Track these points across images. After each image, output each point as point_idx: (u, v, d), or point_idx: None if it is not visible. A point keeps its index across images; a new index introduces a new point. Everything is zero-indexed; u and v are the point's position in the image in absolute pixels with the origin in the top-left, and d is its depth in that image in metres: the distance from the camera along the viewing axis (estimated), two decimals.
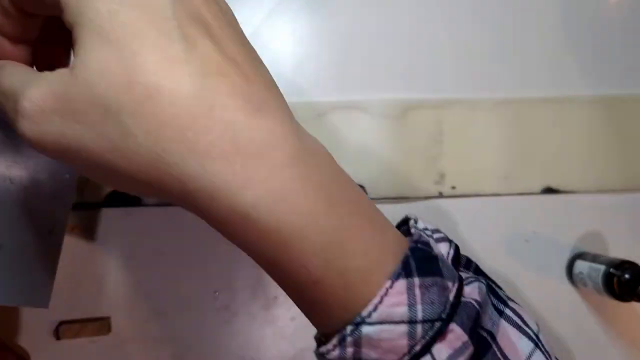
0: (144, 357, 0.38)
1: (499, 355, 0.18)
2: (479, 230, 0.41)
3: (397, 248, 0.18)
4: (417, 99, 0.40)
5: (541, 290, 0.41)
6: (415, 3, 0.41)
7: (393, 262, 0.18)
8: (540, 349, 0.20)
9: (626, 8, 0.43)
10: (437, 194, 0.40)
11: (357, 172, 0.39)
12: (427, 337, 0.17)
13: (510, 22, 0.42)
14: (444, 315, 0.17)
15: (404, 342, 0.17)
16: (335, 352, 0.18)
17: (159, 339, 0.38)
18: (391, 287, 0.17)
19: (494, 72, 0.42)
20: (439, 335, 0.17)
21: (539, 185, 0.41)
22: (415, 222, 0.22)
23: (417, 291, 0.17)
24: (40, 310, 0.36)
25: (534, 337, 0.20)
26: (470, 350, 0.18)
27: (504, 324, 0.20)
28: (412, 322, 0.17)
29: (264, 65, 0.20)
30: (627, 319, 0.42)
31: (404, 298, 0.17)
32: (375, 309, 0.17)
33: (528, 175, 0.41)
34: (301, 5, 0.40)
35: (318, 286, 0.17)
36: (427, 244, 0.19)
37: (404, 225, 0.22)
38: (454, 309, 0.18)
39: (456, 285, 0.18)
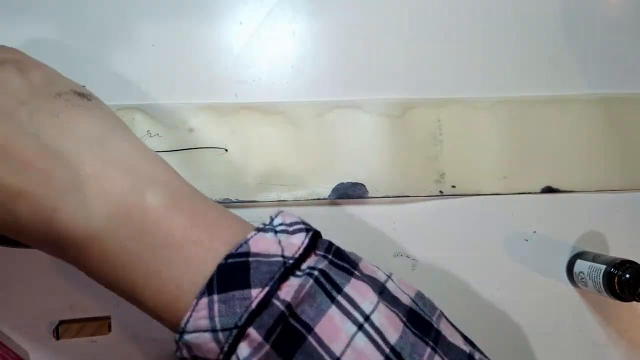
0: (144, 357, 0.38)
1: (315, 344, 0.22)
2: (479, 230, 0.41)
3: (208, 267, 0.23)
4: (416, 99, 0.40)
5: (541, 290, 0.41)
6: (415, 3, 0.41)
7: (202, 281, 0.23)
8: (368, 328, 0.23)
9: (626, 8, 0.43)
10: (437, 193, 0.40)
11: (357, 171, 0.39)
12: (229, 341, 0.21)
13: (510, 22, 0.42)
14: (239, 323, 0.22)
15: (213, 345, 0.22)
16: (179, 353, 0.23)
17: (159, 339, 0.38)
18: (196, 304, 0.22)
19: (494, 72, 0.42)
20: (241, 338, 0.22)
21: (539, 185, 0.41)
22: (272, 219, 0.26)
23: (216, 306, 0.22)
24: (40, 310, 0.37)
25: (360, 318, 0.23)
26: (266, 347, 0.21)
27: (332, 311, 0.23)
28: (214, 330, 0.22)
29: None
30: (627, 319, 0.42)
31: (205, 313, 0.22)
32: (187, 321, 0.22)
33: (528, 175, 0.41)
34: (301, 5, 0.40)
35: (152, 308, 0.24)
36: (245, 254, 0.23)
37: (277, 217, 0.26)
38: (253, 316, 0.22)
39: (266, 290, 0.22)
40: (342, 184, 0.39)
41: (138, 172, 0.24)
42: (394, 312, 0.24)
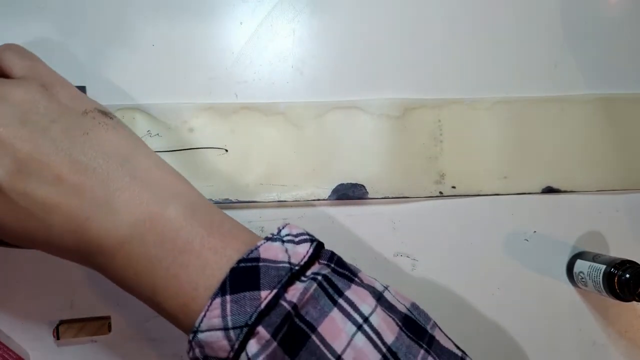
0: (144, 357, 0.38)
1: (318, 343, 0.24)
2: (479, 230, 0.41)
3: (222, 272, 0.25)
4: (417, 99, 0.40)
5: (541, 290, 0.41)
6: (415, 3, 0.41)
7: (217, 284, 0.24)
8: (367, 329, 0.25)
9: (626, 8, 0.43)
10: (437, 194, 0.40)
11: (357, 172, 0.39)
12: (240, 339, 0.23)
13: (510, 22, 0.42)
14: (249, 322, 0.23)
15: (225, 343, 0.23)
16: (191, 354, 0.25)
17: (159, 339, 0.38)
18: (210, 304, 0.24)
19: (494, 72, 0.42)
20: (250, 336, 0.23)
21: (539, 185, 0.41)
22: (280, 230, 0.28)
23: (228, 305, 0.24)
24: (40, 310, 0.37)
25: (360, 320, 0.25)
26: (273, 345, 0.23)
27: (334, 312, 0.25)
28: (226, 329, 0.23)
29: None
30: (627, 319, 0.42)
31: (218, 312, 0.24)
32: (202, 320, 0.24)
33: (528, 175, 0.41)
34: (301, 5, 0.40)
35: (169, 310, 0.26)
36: (256, 259, 0.25)
37: (284, 228, 0.28)
38: (262, 315, 0.23)
39: (274, 291, 0.24)
40: (342, 184, 0.39)
41: (161, 186, 0.27)
42: (391, 317, 0.26)
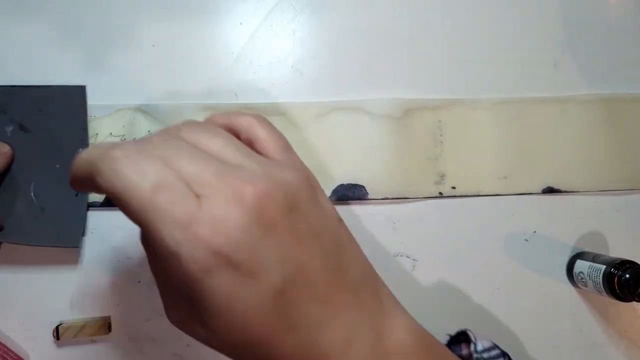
0: (144, 357, 0.38)
1: None
2: (479, 230, 0.41)
3: None
4: (417, 100, 0.40)
5: (541, 290, 0.41)
6: (415, 4, 0.41)
7: None
8: None
9: (626, 8, 0.43)
10: (437, 194, 0.40)
11: (357, 172, 0.39)
12: None
13: (510, 22, 0.42)
14: None
15: None
16: None
17: (159, 339, 0.38)
18: None
19: (494, 72, 0.42)
20: None
21: (539, 186, 0.41)
22: (475, 344, 0.26)
23: None
24: (40, 310, 0.37)
25: None
26: None
27: None
28: None
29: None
30: (627, 319, 0.42)
31: None
32: None
33: (528, 175, 0.41)
34: (301, 5, 0.40)
35: None
36: None
37: (461, 335, 0.26)
38: None
39: None
40: (342, 185, 0.39)
41: (402, 309, 0.24)
42: None
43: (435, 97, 0.41)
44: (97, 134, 0.37)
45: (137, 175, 0.18)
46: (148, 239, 0.19)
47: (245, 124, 0.24)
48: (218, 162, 0.20)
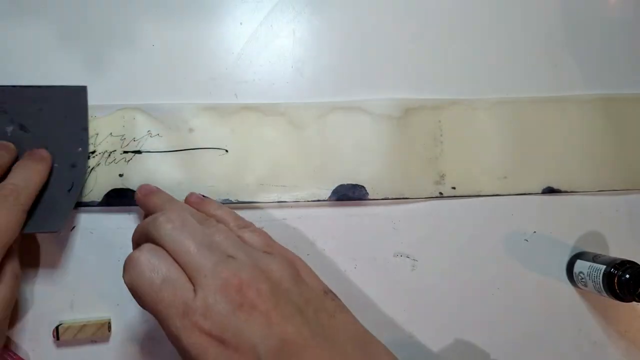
0: (144, 357, 0.38)
1: None
2: (479, 230, 0.41)
3: None
4: (417, 99, 0.40)
5: (541, 290, 0.41)
6: (415, 4, 0.41)
7: None
8: None
9: (626, 8, 0.43)
10: (437, 195, 0.40)
11: (357, 172, 0.39)
12: None
13: (510, 22, 0.42)
14: None
15: None
16: None
17: (159, 339, 0.38)
18: None
19: (494, 72, 0.42)
20: None
21: (539, 186, 0.41)
22: None
23: None
24: (41, 310, 0.36)
25: None
26: None
27: None
28: None
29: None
30: (627, 319, 0.42)
31: None
32: None
33: (528, 175, 0.41)
34: (301, 5, 0.40)
35: None
36: None
37: None
38: None
39: None
40: (342, 185, 0.39)
41: None
42: None
43: (435, 97, 0.41)
44: (97, 134, 0.37)
45: (150, 273, 0.25)
46: (157, 319, 0.25)
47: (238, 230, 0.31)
48: (219, 252, 0.26)
